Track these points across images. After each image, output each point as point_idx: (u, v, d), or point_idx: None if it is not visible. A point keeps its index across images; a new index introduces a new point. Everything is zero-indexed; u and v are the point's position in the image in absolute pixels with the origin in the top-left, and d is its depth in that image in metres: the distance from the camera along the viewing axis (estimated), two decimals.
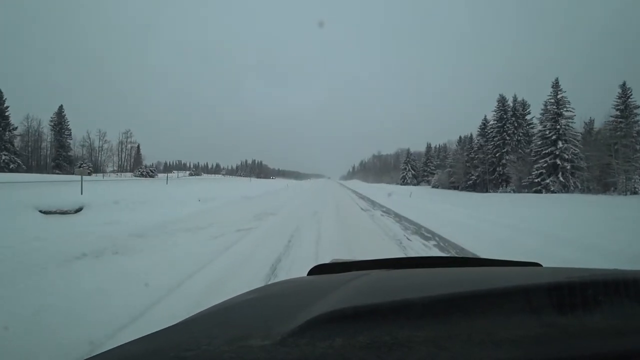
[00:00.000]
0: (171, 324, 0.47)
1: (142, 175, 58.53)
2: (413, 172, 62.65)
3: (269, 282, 0.94)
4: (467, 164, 37.88)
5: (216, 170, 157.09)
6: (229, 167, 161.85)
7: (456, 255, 1.53)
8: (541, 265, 0.79)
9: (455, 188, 43.78)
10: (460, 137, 47.95)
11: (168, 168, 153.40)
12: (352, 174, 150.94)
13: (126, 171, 64.17)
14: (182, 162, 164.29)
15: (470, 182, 36.49)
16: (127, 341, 0.42)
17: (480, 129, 37.53)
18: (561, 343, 0.35)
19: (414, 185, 62.10)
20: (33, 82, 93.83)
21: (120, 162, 65.55)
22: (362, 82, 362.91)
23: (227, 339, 0.37)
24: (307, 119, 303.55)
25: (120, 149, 65.53)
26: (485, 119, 37.34)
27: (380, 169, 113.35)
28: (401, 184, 62.63)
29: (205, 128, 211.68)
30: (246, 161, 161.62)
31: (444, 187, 45.10)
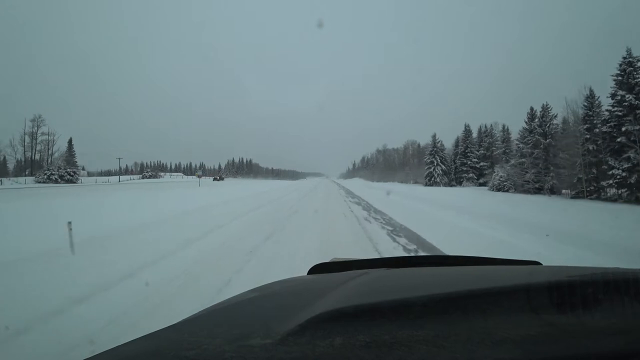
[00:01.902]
0: (172, 324, 0.47)
1: (49, 179, 39.80)
2: (443, 166, 44.34)
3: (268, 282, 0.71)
4: (593, 146, 19.35)
5: (199, 170, 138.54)
6: (212, 167, 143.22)
7: (456, 254, 0.82)
8: (541, 264, 0.78)
9: (538, 190, 25.57)
10: (531, 110, 29.61)
11: (145, 169, 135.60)
12: (353, 172, 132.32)
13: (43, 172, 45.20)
14: (162, 163, 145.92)
15: (614, 181, 17.88)
16: (127, 341, 0.41)
17: (619, 75, 19.02)
18: (561, 342, 0.35)
19: (446, 185, 43.95)
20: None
21: (30, 160, 46.57)
22: (361, 79, 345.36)
23: (227, 338, 0.37)
24: (305, 117, 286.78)
25: (31, 144, 46.56)
26: (629, 55, 18.84)
27: (387, 165, 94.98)
28: (427, 184, 44.38)
29: (193, 128, 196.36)
30: (233, 160, 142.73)
31: (519, 190, 26.81)
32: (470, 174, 41.28)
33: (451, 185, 44.41)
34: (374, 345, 0.34)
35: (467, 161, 41.89)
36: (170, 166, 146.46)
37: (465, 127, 43.53)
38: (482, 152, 41.55)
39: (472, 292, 0.44)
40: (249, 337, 0.37)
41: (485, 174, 40.96)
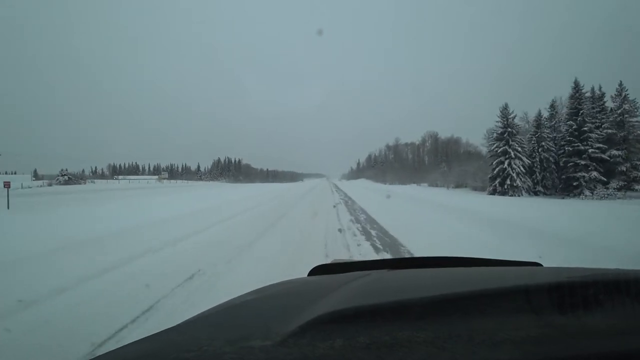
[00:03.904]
0: (172, 325, 0.47)
1: None
2: (523, 160, 25.37)
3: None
4: None
5: (183, 172, 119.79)
6: (201, 168, 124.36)
7: (456, 256, 0.83)
8: (541, 265, 0.78)
9: None
10: None
11: (119, 171, 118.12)
12: (358, 172, 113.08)
13: None
14: (136, 164, 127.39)
15: None
16: (128, 342, 0.42)
17: None
18: (561, 343, 0.35)
19: (529, 192, 25.14)
20: None
21: None
22: (362, 78, 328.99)
23: (227, 340, 0.37)
24: (306, 117, 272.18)
25: None
26: None
27: (401, 163, 75.78)
28: (495, 191, 25.49)
29: (188, 129, 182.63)
30: (218, 160, 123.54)
31: None
32: (592, 172, 22.17)
33: (535, 193, 25.60)
34: (374, 346, 0.34)
35: (586, 148, 22.65)
36: (149, 168, 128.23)
37: (574, 86, 24.16)
38: (608, 130, 22.50)
39: (472, 293, 0.44)
40: (249, 339, 0.37)
41: (620, 170, 22.09)
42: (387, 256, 4.74)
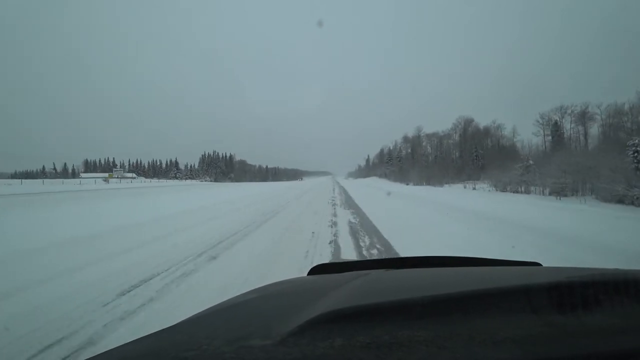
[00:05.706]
0: (171, 324, 0.47)
1: None
2: None
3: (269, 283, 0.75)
4: None
5: (167, 169, 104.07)
6: (188, 166, 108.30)
7: (456, 255, 0.89)
8: (541, 265, 0.78)
9: None
10: None
11: (92, 168, 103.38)
12: (368, 169, 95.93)
13: None
14: (110, 160, 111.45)
15: None
16: (126, 342, 0.41)
17: None
18: (561, 342, 0.35)
19: None
20: None
21: None
22: (364, 76, 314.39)
23: (227, 339, 0.37)
24: (311, 116, 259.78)
25: None
26: None
27: (425, 157, 58.46)
28: None
29: (188, 129, 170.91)
30: (205, 154, 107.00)
31: None
32: None
33: None
34: (374, 346, 0.34)
35: None
36: (129, 164, 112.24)
37: None
38: None
39: (472, 293, 0.44)
40: (248, 338, 0.36)
41: None
42: None
